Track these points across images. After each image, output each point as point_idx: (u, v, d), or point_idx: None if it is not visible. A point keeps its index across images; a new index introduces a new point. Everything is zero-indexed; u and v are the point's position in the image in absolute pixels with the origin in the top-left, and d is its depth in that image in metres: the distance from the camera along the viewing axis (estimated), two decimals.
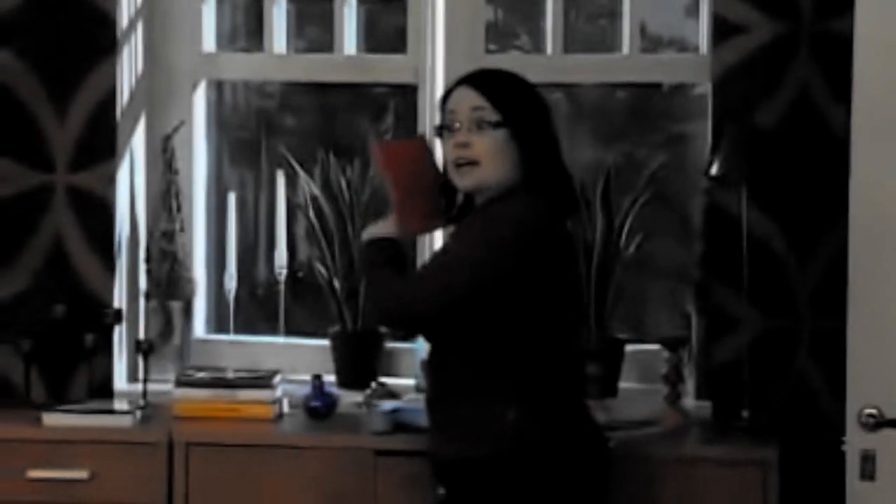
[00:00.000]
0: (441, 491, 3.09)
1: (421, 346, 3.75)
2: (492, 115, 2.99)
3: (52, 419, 3.52)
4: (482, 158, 2.99)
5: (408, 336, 3.09)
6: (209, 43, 4.08)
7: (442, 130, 3.06)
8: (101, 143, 3.82)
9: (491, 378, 3.00)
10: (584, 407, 3.11)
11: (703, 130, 3.84)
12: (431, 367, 3.12)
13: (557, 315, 3.01)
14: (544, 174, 3.01)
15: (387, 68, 4.03)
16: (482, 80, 3.05)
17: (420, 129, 3.90)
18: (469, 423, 3.00)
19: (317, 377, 3.62)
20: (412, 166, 3.13)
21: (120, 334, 3.88)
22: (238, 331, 4.11)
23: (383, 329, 3.93)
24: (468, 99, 3.01)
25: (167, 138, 3.98)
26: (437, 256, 3.01)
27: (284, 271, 4.03)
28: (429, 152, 3.16)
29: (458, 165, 3.01)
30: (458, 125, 3.01)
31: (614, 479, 3.10)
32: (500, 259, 2.90)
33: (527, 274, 2.93)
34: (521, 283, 2.93)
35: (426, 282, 2.93)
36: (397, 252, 3.04)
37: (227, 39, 4.23)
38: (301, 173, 3.98)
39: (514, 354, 2.99)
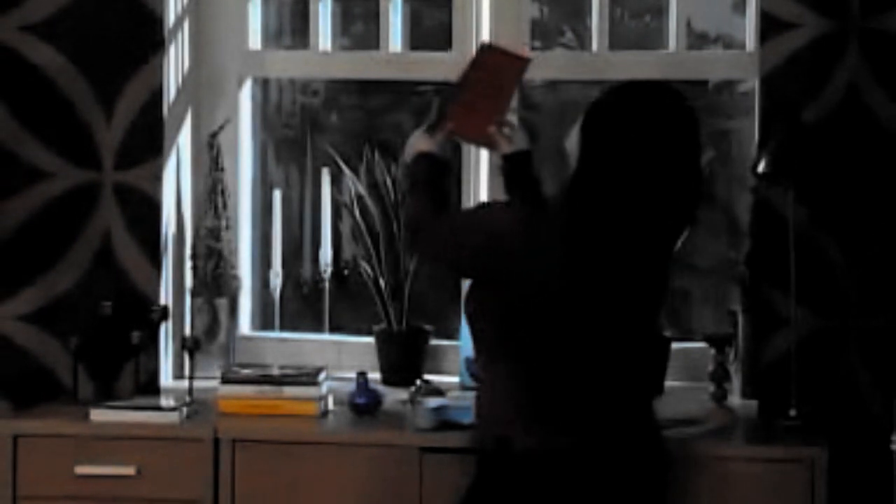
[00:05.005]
0: (473, 478, 3.09)
1: (465, 344, 3.75)
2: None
3: (99, 415, 3.54)
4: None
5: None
6: (255, 41, 4.09)
7: None
8: (148, 141, 3.83)
9: (534, 377, 3.00)
10: (643, 408, 3.08)
11: (749, 127, 3.82)
12: (480, 357, 3.12)
13: (602, 314, 3.00)
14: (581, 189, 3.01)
15: (432, 66, 4.02)
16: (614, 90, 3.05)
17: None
18: (513, 419, 3.00)
19: (362, 374, 3.63)
20: (501, 76, 3.21)
21: (166, 331, 3.89)
22: (283, 328, 4.12)
23: (429, 327, 3.94)
24: None
25: (213, 136, 4.00)
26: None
27: (329, 269, 4.04)
28: (522, 71, 3.21)
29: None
30: None
31: (673, 483, 3.08)
32: (484, 246, 2.98)
33: (529, 269, 2.96)
34: (526, 277, 2.96)
35: (437, 227, 3.08)
36: (443, 171, 3.19)
37: (272, 37, 4.24)
38: (346, 171, 3.99)
39: (564, 349, 2.99)
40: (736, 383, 3.73)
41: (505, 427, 3.00)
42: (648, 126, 2.96)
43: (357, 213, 3.96)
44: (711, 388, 3.63)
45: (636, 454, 3.02)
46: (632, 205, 2.96)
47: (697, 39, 4.13)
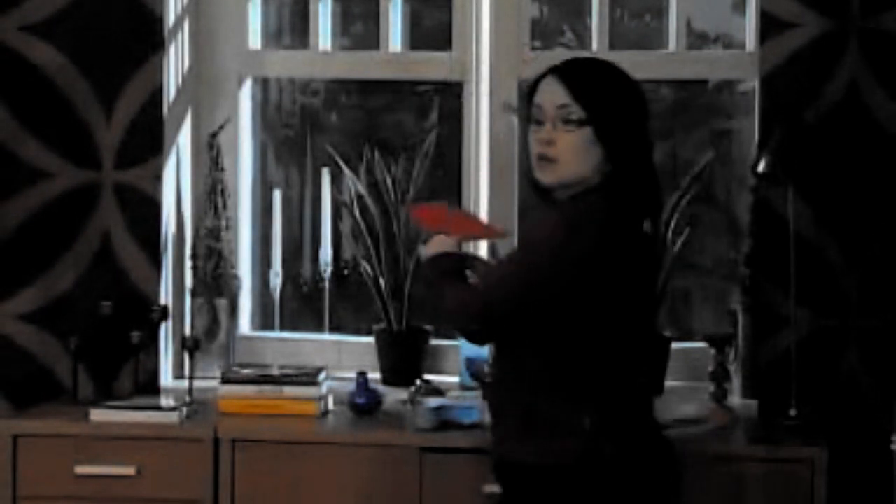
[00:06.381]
0: (489, 489, 3.06)
1: (465, 344, 3.75)
2: (577, 113, 2.92)
3: (99, 415, 3.54)
4: (563, 157, 2.94)
5: (476, 341, 3.08)
6: (255, 40, 4.09)
7: (529, 121, 3.01)
8: (148, 141, 3.83)
9: (567, 383, 2.93)
10: (650, 410, 3.05)
11: (749, 127, 3.82)
12: (501, 365, 3.04)
13: (628, 317, 2.95)
14: (625, 174, 2.95)
15: (432, 65, 4.03)
16: (571, 75, 2.96)
17: (465, 132, 3.91)
18: (542, 429, 2.93)
19: (362, 374, 3.63)
20: (447, 214, 3.18)
21: (166, 331, 3.89)
22: (283, 328, 4.12)
23: (429, 327, 3.94)
24: (555, 95, 2.94)
25: (213, 136, 3.99)
26: (500, 261, 2.98)
27: (329, 268, 4.04)
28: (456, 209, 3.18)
29: (540, 160, 2.98)
30: (543, 120, 2.96)
31: (684, 487, 3.05)
32: (549, 275, 2.87)
33: (584, 282, 2.88)
34: (580, 292, 2.88)
35: (481, 290, 2.92)
36: (458, 263, 3.02)
37: (272, 37, 4.24)
38: (346, 171, 3.99)
39: (589, 360, 2.93)
40: (736, 383, 3.73)
41: (585, 437, 2.90)
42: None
43: (357, 212, 3.96)
44: (711, 388, 3.63)
45: (655, 467, 3.00)
46: (655, 186, 3.00)
47: (697, 39, 4.13)
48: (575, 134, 2.93)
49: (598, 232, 2.89)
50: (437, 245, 3.06)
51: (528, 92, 3.02)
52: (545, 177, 2.98)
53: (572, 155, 2.94)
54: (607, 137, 2.93)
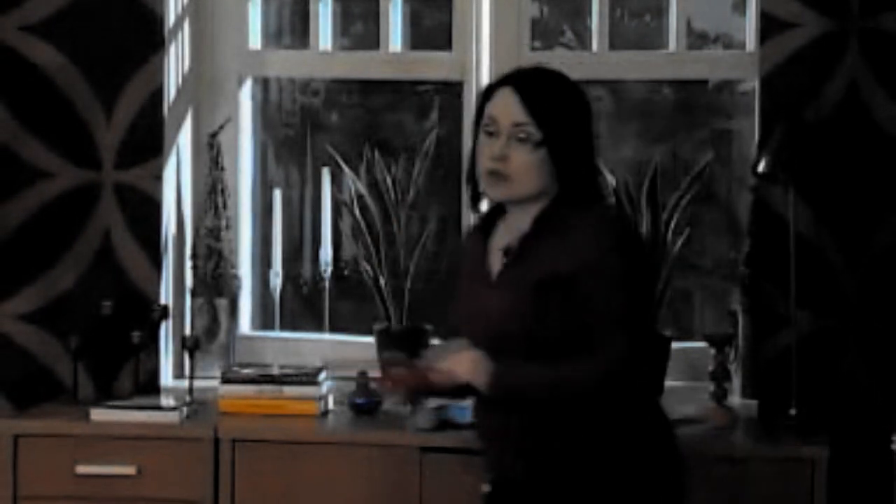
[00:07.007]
0: (487, 489, 3.06)
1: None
2: (534, 135, 2.90)
3: (99, 415, 3.54)
4: (515, 174, 2.91)
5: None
6: (255, 40, 4.10)
7: (478, 130, 2.98)
8: (148, 141, 3.83)
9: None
10: (659, 408, 3.05)
11: (749, 127, 3.82)
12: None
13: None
14: (578, 188, 2.95)
15: (432, 65, 4.03)
16: (528, 91, 2.93)
17: (465, 132, 3.90)
18: (552, 433, 2.92)
19: (362, 374, 3.63)
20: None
21: (166, 331, 3.90)
22: (283, 327, 4.12)
23: (429, 326, 3.94)
24: (511, 110, 2.91)
25: (213, 135, 4.00)
26: (595, 314, 2.87)
27: (330, 268, 4.04)
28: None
29: (490, 175, 2.94)
30: (496, 133, 2.93)
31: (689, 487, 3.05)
32: (650, 284, 3.00)
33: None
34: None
35: (614, 346, 2.85)
36: (512, 367, 2.91)
37: (272, 37, 4.24)
38: (346, 170, 3.99)
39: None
40: (736, 383, 3.73)
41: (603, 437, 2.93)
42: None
43: (357, 212, 3.96)
44: (711, 388, 3.64)
45: (664, 468, 3.01)
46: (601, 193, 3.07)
47: (697, 39, 4.13)
48: (529, 154, 2.91)
49: (635, 241, 2.96)
50: (471, 363, 2.91)
51: (482, 98, 3.00)
52: (495, 192, 2.95)
53: (525, 173, 2.91)
54: (560, 159, 2.92)
